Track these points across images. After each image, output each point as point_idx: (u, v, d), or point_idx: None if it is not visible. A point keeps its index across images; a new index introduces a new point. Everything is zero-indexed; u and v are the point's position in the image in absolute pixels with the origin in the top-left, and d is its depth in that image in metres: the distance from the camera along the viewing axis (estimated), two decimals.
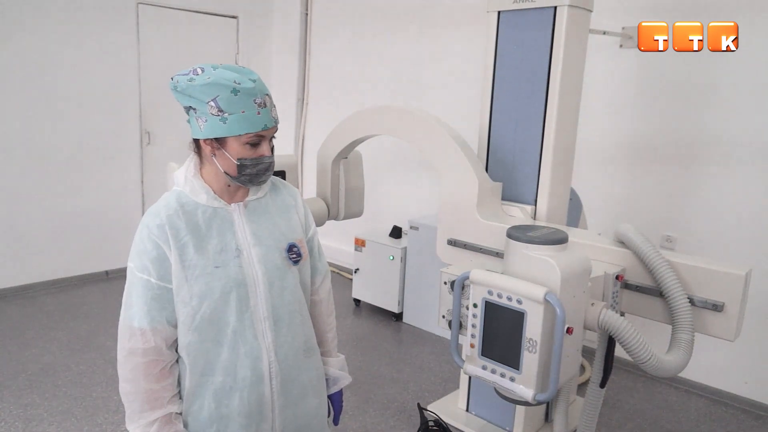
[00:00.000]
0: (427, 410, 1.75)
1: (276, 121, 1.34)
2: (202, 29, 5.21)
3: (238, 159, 1.29)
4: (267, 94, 1.31)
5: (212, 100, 1.25)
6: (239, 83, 1.25)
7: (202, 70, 1.27)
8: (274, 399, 1.38)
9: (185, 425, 1.34)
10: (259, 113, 1.27)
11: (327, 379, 1.59)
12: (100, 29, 4.57)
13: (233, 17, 5.43)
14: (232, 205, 1.37)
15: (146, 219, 1.30)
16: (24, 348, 3.56)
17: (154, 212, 1.31)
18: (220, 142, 1.29)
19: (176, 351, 1.34)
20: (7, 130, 4.24)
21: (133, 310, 1.28)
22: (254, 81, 1.28)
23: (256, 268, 1.35)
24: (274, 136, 1.37)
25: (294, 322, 1.41)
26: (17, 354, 3.48)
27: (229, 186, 1.36)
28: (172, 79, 1.30)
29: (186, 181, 1.34)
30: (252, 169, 1.31)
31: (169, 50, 4.99)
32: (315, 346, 1.50)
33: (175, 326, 1.31)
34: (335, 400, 1.63)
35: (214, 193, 1.35)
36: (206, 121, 1.27)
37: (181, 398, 1.35)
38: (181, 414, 1.33)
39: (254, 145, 1.30)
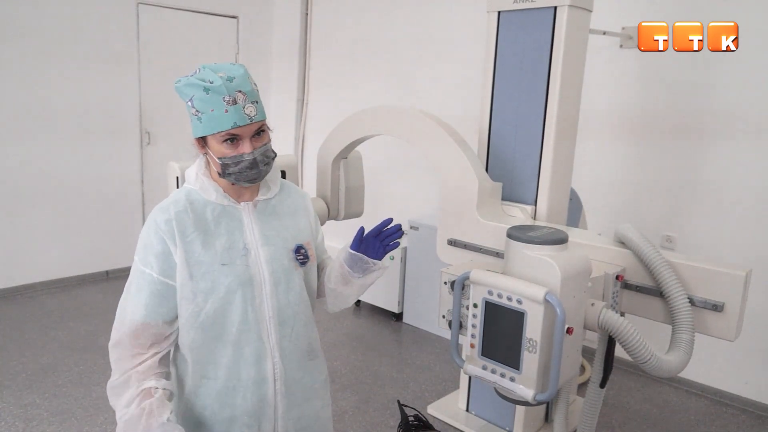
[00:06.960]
0: (407, 406, 1.75)
1: (252, 118, 1.26)
2: (202, 29, 5.21)
3: (219, 158, 1.29)
4: (240, 91, 1.25)
5: (189, 101, 1.27)
6: (212, 82, 1.23)
7: (197, 71, 1.28)
8: (278, 400, 1.38)
9: (186, 425, 1.34)
10: (227, 111, 1.23)
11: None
12: (100, 29, 4.57)
13: (233, 17, 5.43)
14: (242, 204, 1.37)
15: (154, 214, 1.31)
16: (24, 348, 3.56)
17: (163, 208, 1.31)
18: (205, 141, 1.30)
19: (174, 349, 1.34)
20: (7, 130, 4.24)
21: (130, 302, 1.29)
22: (229, 79, 1.24)
23: (263, 268, 1.34)
24: (262, 131, 1.31)
25: (298, 324, 1.41)
26: (17, 354, 3.48)
27: (233, 184, 1.36)
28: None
29: (197, 179, 1.35)
30: (234, 167, 1.28)
31: (169, 50, 4.99)
32: (319, 350, 1.50)
33: (171, 323, 1.30)
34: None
35: (223, 191, 1.35)
36: (191, 121, 1.29)
37: (172, 392, 1.31)
38: (160, 388, 1.26)
39: (232, 143, 1.27)
